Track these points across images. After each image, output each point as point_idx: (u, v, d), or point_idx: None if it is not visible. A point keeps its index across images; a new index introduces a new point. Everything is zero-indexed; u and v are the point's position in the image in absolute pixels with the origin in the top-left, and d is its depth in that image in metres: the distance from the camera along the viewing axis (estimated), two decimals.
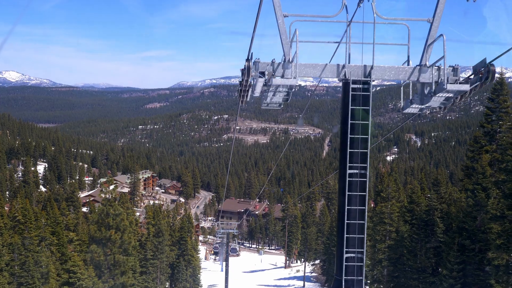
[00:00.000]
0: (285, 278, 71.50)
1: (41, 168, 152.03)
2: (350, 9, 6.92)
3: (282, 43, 6.52)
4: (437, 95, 6.62)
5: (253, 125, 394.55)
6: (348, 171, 6.70)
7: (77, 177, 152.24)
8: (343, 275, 7.06)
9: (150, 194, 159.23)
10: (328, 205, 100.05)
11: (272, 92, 6.95)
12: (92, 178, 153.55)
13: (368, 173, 6.66)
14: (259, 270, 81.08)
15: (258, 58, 6.58)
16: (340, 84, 6.99)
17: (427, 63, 6.90)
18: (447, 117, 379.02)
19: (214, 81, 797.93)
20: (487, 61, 6.46)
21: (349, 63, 6.91)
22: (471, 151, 32.24)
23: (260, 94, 7.01)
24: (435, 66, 6.77)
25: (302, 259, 76.39)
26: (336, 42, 7.51)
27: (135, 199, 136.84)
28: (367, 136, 6.86)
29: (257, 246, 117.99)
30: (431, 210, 35.37)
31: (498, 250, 23.55)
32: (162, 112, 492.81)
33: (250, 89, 6.88)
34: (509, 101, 31.77)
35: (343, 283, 7.07)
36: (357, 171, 6.70)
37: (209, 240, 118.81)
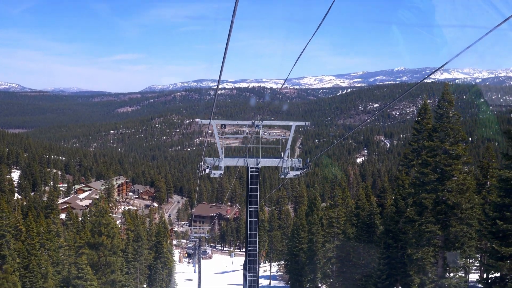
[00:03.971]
0: None
1: (14, 175, 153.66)
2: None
3: (218, 149, 12.70)
4: (288, 174, 12.92)
5: (225, 129, 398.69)
6: (249, 212, 12.97)
7: (51, 184, 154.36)
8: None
9: (124, 200, 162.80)
10: (296, 208, 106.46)
11: (214, 172, 13.15)
12: (66, 185, 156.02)
13: (258, 213, 12.87)
14: (230, 271, 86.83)
15: (206, 158, 12.69)
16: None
17: (285, 158, 13.17)
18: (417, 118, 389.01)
19: (186, 84, 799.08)
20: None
21: (247, 158, 13.18)
22: (401, 165, 38.77)
23: (209, 172, 13.22)
24: (292, 159, 13.04)
25: (268, 260, 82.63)
26: (243, 145, 13.87)
27: (110, 205, 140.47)
28: (257, 194, 13.17)
29: (228, 249, 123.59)
30: (372, 215, 41.93)
31: (413, 247, 30.02)
32: (134, 116, 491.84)
33: (205, 170, 13.07)
34: (431, 123, 38.36)
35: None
36: (254, 209, 12.90)
37: (183, 243, 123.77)
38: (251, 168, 13.02)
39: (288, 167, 13.21)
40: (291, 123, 13.61)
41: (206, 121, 13.21)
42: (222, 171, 13.31)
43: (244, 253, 13.68)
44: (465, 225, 27.69)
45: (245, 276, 13.00)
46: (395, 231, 32.52)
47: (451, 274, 29.40)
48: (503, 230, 18.01)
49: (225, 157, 13.30)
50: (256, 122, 13.31)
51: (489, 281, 19.46)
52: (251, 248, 12.77)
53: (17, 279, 25.97)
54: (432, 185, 28.24)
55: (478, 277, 30.47)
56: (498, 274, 19.23)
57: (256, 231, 12.86)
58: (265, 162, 13.43)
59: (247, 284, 12.63)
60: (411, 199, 31.56)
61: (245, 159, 13.18)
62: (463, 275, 32.14)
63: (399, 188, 33.19)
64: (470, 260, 35.10)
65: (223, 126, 13.46)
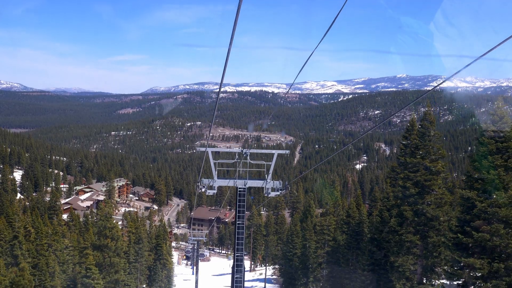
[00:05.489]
0: (249, 280, 79.66)
1: (16, 175, 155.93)
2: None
3: (212, 171, 15.17)
4: (270, 194, 15.45)
5: (226, 132, 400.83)
6: (237, 224, 15.47)
7: (53, 185, 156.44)
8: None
9: (125, 201, 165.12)
10: (292, 213, 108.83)
11: (209, 191, 15.65)
12: (67, 186, 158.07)
13: (244, 226, 15.34)
14: (227, 274, 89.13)
15: (202, 179, 15.19)
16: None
17: (268, 180, 15.67)
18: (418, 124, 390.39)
19: (188, 87, 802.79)
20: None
21: (237, 179, 15.66)
22: (388, 177, 41.15)
23: (205, 190, 15.70)
24: (274, 181, 15.54)
25: (263, 264, 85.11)
26: (233, 168, 16.34)
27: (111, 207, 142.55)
28: (244, 209, 15.68)
29: (226, 252, 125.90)
30: (361, 223, 44.29)
31: (394, 255, 32.39)
32: (135, 118, 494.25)
33: (201, 189, 15.58)
34: (427, 134, 40.67)
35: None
36: (241, 222, 15.36)
37: (182, 246, 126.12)
38: (240, 188, 15.42)
39: (270, 188, 15.65)
40: (273, 151, 16.04)
41: (202, 149, 15.68)
42: (215, 191, 15.82)
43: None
44: (442, 236, 30.03)
45: (232, 277, 15.41)
46: (379, 240, 34.89)
47: (427, 281, 31.70)
48: (463, 243, 20.37)
49: (218, 178, 15.73)
50: (244, 150, 15.72)
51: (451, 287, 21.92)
52: (238, 254, 15.18)
53: (31, 277, 28.29)
54: (413, 198, 30.61)
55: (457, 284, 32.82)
56: (458, 281, 21.59)
57: (243, 240, 15.24)
58: (251, 183, 15.85)
59: (235, 284, 15.03)
60: (394, 210, 33.92)
61: (235, 180, 15.58)
62: (440, 282, 34.46)
63: (384, 200, 35.60)
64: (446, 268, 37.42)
65: (217, 153, 15.88)
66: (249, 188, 16.32)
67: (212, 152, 15.60)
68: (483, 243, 19.72)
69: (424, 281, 31.66)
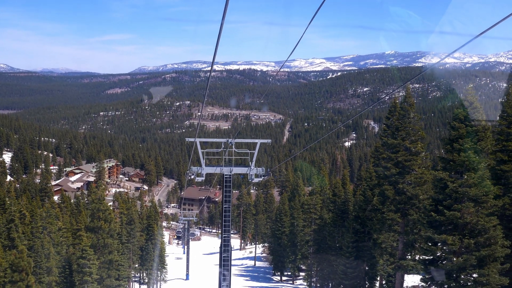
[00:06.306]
0: (239, 259, 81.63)
1: (6, 157, 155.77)
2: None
3: (201, 161, 16.28)
4: (253, 180, 16.64)
5: (215, 111, 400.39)
6: (224, 207, 16.69)
7: (43, 166, 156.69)
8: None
9: (115, 182, 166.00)
10: (281, 192, 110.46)
11: (197, 178, 16.81)
12: (57, 167, 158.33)
13: (230, 209, 16.54)
14: (218, 252, 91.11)
15: (191, 167, 16.31)
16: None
17: (252, 167, 16.85)
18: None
19: (176, 66, 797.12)
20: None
21: (223, 167, 16.80)
22: (372, 157, 42.52)
23: (194, 177, 16.82)
24: (257, 168, 16.72)
25: (253, 242, 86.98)
26: (219, 157, 17.47)
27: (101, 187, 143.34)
28: (230, 194, 16.86)
29: (216, 231, 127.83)
30: (346, 202, 45.82)
31: (377, 232, 33.92)
32: (123, 97, 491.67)
33: (190, 177, 16.68)
34: (407, 116, 41.95)
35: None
36: (227, 206, 16.59)
37: (172, 225, 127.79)
38: (226, 175, 16.54)
39: (253, 174, 16.84)
40: (256, 140, 17.18)
41: (191, 139, 16.73)
42: (203, 178, 16.95)
43: (231, 235, 17.27)
44: (422, 213, 31.55)
45: (220, 256, 16.67)
46: (362, 218, 36.41)
47: (409, 256, 33.33)
48: (437, 220, 21.76)
49: (206, 165, 16.85)
50: (229, 140, 16.83)
51: (426, 261, 23.39)
52: (226, 235, 16.43)
53: (30, 259, 29.40)
54: (394, 178, 31.99)
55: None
56: (432, 257, 23.06)
57: (229, 222, 16.43)
58: (236, 170, 17.00)
59: (223, 263, 16.28)
60: (377, 189, 35.34)
61: (222, 167, 16.70)
62: (420, 257, 36.19)
63: (367, 180, 37.01)
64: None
65: (204, 143, 16.98)
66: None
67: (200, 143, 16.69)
68: (455, 220, 21.13)
69: (408, 256, 33.29)
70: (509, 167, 25.60)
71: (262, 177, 16.95)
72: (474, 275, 21.92)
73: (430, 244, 22.34)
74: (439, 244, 22.28)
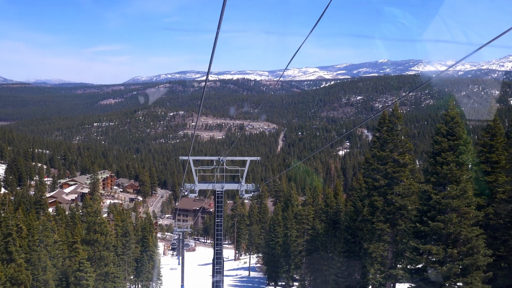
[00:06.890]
0: (234, 269, 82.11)
1: (0, 169, 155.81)
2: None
3: (194, 178, 17.11)
4: (244, 195, 17.50)
5: (209, 121, 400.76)
6: (216, 222, 17.48)
7: (37, 178, 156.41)
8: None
9: (109, 193, 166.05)
10: (275, 202, 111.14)
11: (191, 195, 17.67)
12: (51, 179, 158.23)
13: (222, 223, 17.35)
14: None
15: (185, 184, 17.14)
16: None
17: (242, 183, 17.69)
18: (399, 111, 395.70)
19: (170, 76, 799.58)
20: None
21: (215, 183, 17.62)
22: (363, 168, 43.43)
23: (187, 194, 17.67)
24: (247, 184, 17.56)
25: (247, 253, 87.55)
26: (211, 173, 18.34)
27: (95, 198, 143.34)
28: (222, 209, 17.66)
29: (211, 241, 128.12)
30: (338, 212, 46.67)
31: (367, 242, 34.74)
32: (117, 108, 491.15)
33: (184, 193, 17.52)
34: (395, 129, 42.97)
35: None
36: (219, 220, 17.37)
37: (167, 236, 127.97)
38: (218, 191, 17.38)
39: (244, 190, 17.67)
40: (246, 158, 18.03)
41: (185, 157, 17.57)
42: (196, 194, 17.80)
43: (225, 246, 17.98)
44: (408, 224, 32.43)
45: (213, 268, 17.45)
46: (353, 228, 37.23)
47: (399, 266, 34.15)
48: (421, 231, 22.66)
49: (199, 182, 17.68)
50: (221, 158, 17.68)
51: (412, 271, 24.28)
52: (218, 248, 17.23)
53: (24, 271, 30.02)
54: (382, 189, 32.92)
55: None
56: (418, 266, 23.95)
57: (221, 236, 17.25)
58: (228, 186, 17.86)
59: (215, 274, 17.10)
60: (366, 200, 36.22)
61: (214, 184, 17.54)
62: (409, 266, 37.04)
63: (357, 190, 37.89)
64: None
65: (197, 161, 17.83)
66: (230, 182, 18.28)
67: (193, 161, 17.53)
68: (439, 231, 22.03)
69: (398, 266, 34.11)
70: (493, 178, 26.62)
71: (252, 193, 17.78)
72: (459, 284, 22.79)
73: (415, 254, 23.19)
74: (424, 254, 23.13)
